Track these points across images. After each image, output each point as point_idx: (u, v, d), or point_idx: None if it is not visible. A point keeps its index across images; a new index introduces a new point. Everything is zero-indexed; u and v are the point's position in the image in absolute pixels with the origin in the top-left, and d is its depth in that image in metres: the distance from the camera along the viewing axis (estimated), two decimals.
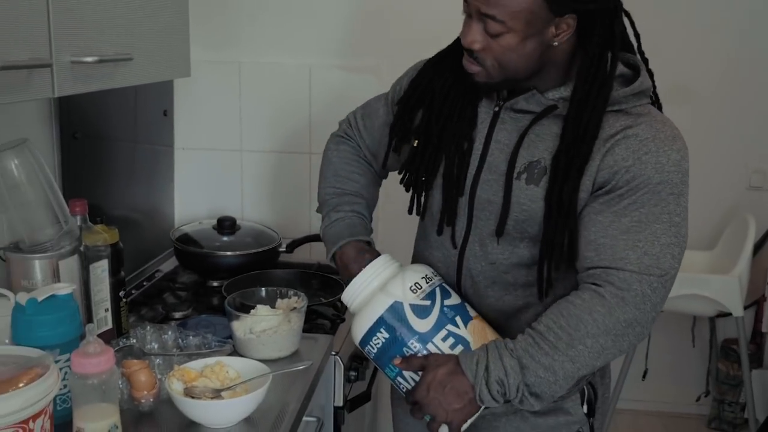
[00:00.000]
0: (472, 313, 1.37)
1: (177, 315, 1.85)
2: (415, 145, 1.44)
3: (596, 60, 1.29)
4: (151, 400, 1.32)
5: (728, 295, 2.72)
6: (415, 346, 1.32)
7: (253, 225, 2.26)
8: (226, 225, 2.17)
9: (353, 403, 1.79)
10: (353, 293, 1.39)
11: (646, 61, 1.38)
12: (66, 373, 1.20)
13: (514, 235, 1.35)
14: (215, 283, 2.05)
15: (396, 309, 1.33)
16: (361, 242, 1.51)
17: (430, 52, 2.17)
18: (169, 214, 2.34)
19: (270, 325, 1.53)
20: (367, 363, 1.86)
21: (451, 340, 1.32)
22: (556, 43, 1.28)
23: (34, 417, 1.10)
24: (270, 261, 2.14)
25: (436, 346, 1.32)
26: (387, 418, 2.36)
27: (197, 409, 1.28)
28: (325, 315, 1.85)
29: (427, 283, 1.36)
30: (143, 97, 2.10)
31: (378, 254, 1.46)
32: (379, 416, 2.34)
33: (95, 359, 1.16)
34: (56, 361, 1.16)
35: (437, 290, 1.36)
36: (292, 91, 2.28)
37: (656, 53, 1.40)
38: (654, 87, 1.37)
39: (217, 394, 1.31)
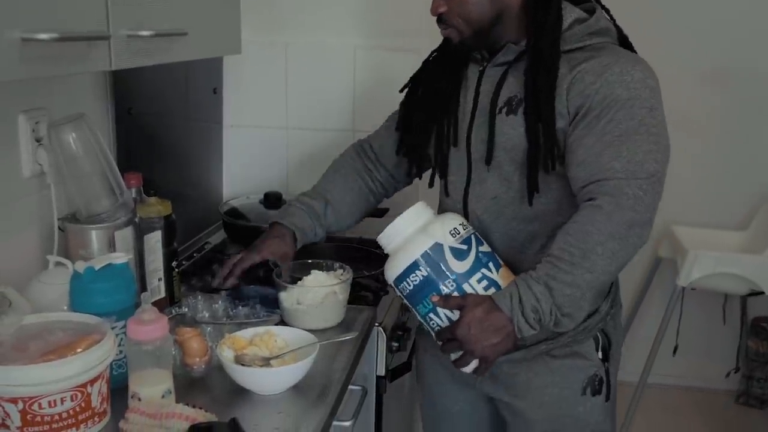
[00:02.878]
0: (500, 261, 1.43)
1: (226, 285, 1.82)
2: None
3: (544, 3, 1.39)
4: (203, 366, 1.30)
5: (760, 273, 2.63)
6: (451, 285, 1.37)
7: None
8: (272, 199, 2.14)
9: (394, 373, 1.76)
10: (392, 235, 1.43)
11: (607, 10, 1.46)
12: (122, 339, 1.19)
13: (506, 168, 1.43)
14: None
15: (436, 250, 1.37)
16: (284, 227, 1.62)
17: None
18: (218, 188, 2.31)
19: (317, 296, 1.49)
20: (409, 334, 1.83)
21: (485, 283, 1.37)
22: None
23: (92, 381, 1.08)
24: None
25: (472, 287, 1.37)
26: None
27: (247, 376, 1.25)
28: (369, 287, 1.81)
29: (464, 229, 1.42)
30: (194, 75, 2.07)
31: (294, 248, 1.61)
32: (417, 386, 2.31)
33: (150, 326, 1.14)
34: (112, 328, 1.14)
35: (472, 237, 1.42)
36: (337, 71, 2.24)
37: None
38: (619, 30, 1.45)
39: (266, 362, 1.28)
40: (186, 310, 1.50)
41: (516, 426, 1.56)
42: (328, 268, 1.61)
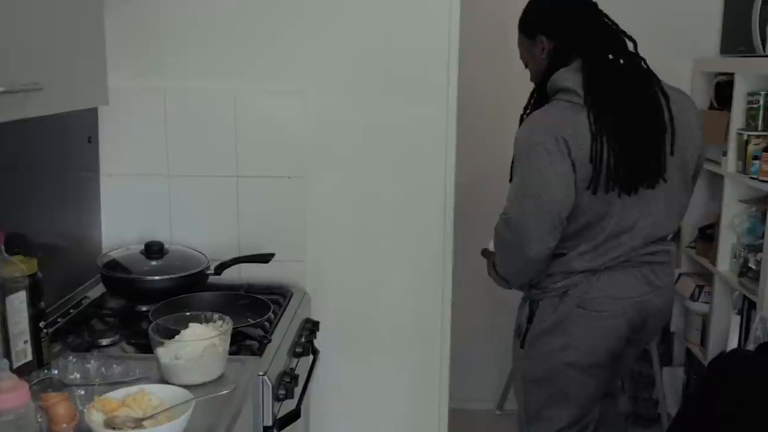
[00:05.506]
0: None
1: (104, 342, 1.75)
2: None
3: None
4: None
5: None
6: None
7: (181, 249, 2.17)
8: (153, 249, 2.08)
9: (283, 421, 1.72)
10: None
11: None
12: None
13: None
14: (144, 308, 1.95)
15: None
16: None
17: (355, 79, 2.16)
18: (96, 240, 2.22)
19: (196, 349, 1.45)
20: (296, 381, 1.80)
21: None
22: (544, 56, 1.99)
23: None
24: (199, 284, 2.06)
25: None
26: None
27: None
28: (253, 336, 1.78)
29: None
30: (67, 123, 1.99)
31: None
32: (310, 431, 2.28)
33: (8, 395, 1.08)
34: None
35: None
36: (218, 116, 2.20)
37: None
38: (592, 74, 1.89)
39: (138, 423, 1.23)
40: (55, 372, 1.43)
41: None
42: (207, 320, 1.57)
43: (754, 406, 1.50)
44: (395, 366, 2.33)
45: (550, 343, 1.99)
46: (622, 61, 1.90)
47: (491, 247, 2.10)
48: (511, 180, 1.95)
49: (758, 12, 2.66)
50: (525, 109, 2.09)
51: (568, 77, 1.88)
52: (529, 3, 2.07)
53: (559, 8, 2.00)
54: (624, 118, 1.83)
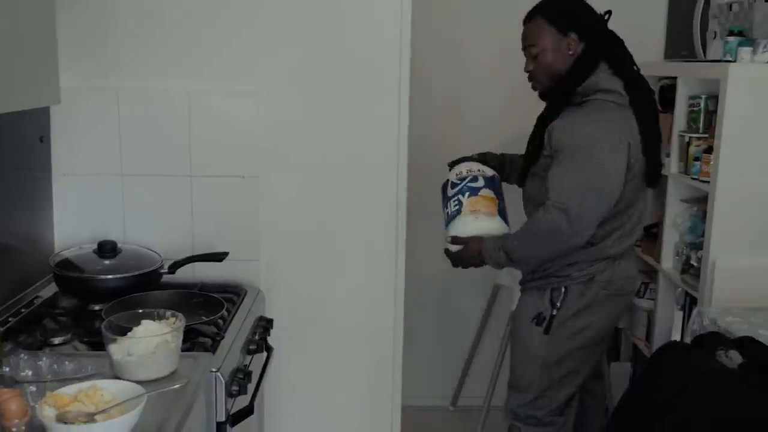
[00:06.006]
0: (482, 194, 2.26)
1: (56, 341, 1.75)
2: None
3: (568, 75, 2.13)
4: (23, 428, 1.24)
5: None
6: (444, 203, 2.34)
7: (134, 248, 2.17)
8: (106, 248, 2.08)
9: (236, 417, 1.75)
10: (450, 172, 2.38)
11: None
12: None
13: (533, 172, 2.21)
14: (97, 307, 1.95)
15: (446, 182, 2.36)
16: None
17: (309, 79, 2.19)
18: (49, 239, 2.21)
19: (148, 346, 1.47)
20: (250, 377, 1.83)
21: (457, 204, 2.27)
22: (571, 53, 2.12)
23: None
24: (152, 283, 2.06)
25: (450, 205, 2.29)
26: (272, 429, 2.33)
27: None
28: (206, 333, 1.80)
29: (468, 173, 2.31)
30: (18, 123, 1.98)
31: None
32: (265, 428, 2.30)
33: None
34: None
35: (470, 177, 2.29)
36: (172, 116, 2.20)
37: None
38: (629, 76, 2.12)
39: (90, 418, 1.24)
40: (6, 369, 1.43)
41: None
42: (160, 317, 1.59)
43: (687, 394, 1.58)
44: (349, 363, 2.36)
45: (575, 326, 2.17)
46: (635, 68, 2.17)
47: (464, 233, 2.24)
48: (524, 179, 2.21)
49: (699, 19, 2.77)
50: (552, 110, 2.16)
51: (611, 79, 2.08)
52: (553, 2, 2.18)
53: (591, 12, 2.17)
54: (653, 119, 2.16)
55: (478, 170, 2.32)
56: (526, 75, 2.23)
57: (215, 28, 2.18)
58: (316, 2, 2.17)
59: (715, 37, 2.67)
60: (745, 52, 2.44)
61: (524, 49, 2.20)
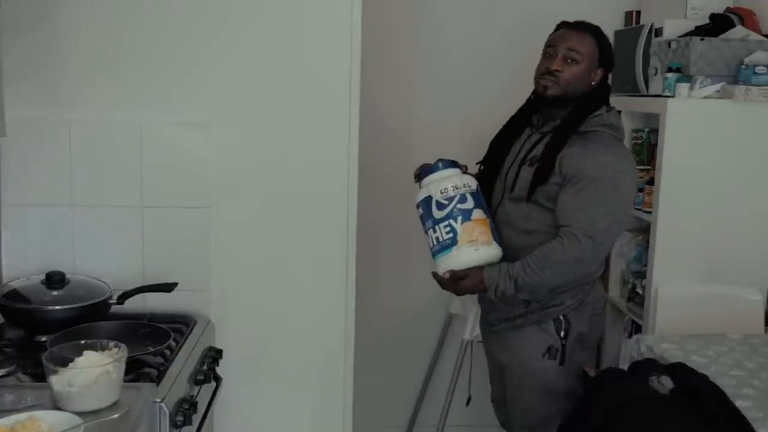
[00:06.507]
0: (475, 217, 2.11)
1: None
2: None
3: (597, 98, 2.18)
4: None
5: None
6: (430, 224, 2.15)
7: (83, 278, 2.17)
8: (54, 279, 2.07)
9: None
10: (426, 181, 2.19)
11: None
12: None
13: (518, 197, 2.15)
14: (44, 338, 1.94)
15: (427, 200, 2.15)
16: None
17: (260, 110, 2.23)
18: None
19: (89, 376, 1.47)
20: (195, 408, 1.83)
21: (449, 229, 2.11)
22: (593, 83, 2.17)
23: None
24: (101, 313, 2.06)
25: (440, 228, 2.12)
26: None
27: None
28: (151, 364, 1.81)
29: (454, 190, 2.12)
30: None
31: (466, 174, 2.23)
32: None
33: None
34: None
35: (458, 196, 2.11)
36: (123, 147, 2.22)
37: None
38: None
39: None
40: None
41: (505, 373, 2.31)
42: (103, 348, 1.59)
43: (620, 419, 1.63)
44: (299, 393, 2.37)
45: (580, 352, 2.22)
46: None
47: (463, 265, 2.12)
48: (531, 197, 2.13)
49: (641, 56, 2.87)
50: (561, 138, 2.13)
51: (616, 117, 2.21)
52: (603, 32, 2.22)
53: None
54: None
55: (464, 185, 2.15)
56: (543, 72, 2.18)
57: (167, 61, 2.20)
58: (266, 37, 2.21)
59: (656, 73, 2.77)
60: (683, 87, 2.55)
61: (556, 48, 2.16)
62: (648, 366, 1.88)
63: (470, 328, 2.85)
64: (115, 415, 1.41)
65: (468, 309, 2.91)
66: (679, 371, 1.80)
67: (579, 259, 2.05)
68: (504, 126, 2.34)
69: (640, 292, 2.77)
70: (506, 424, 2.47)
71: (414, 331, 3.42)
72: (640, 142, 2.83)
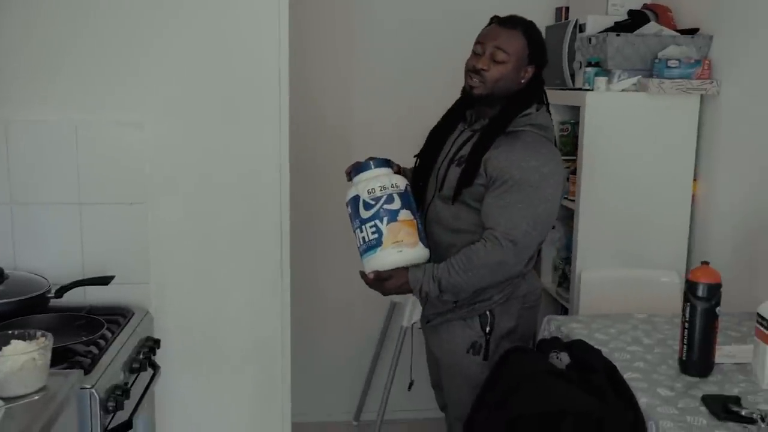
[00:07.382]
0: (401, 218, 2.11)
1: None
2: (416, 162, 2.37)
3: (527, 97, 2.16)
4: None
5: None
6: (357, 223, 2.15)
7: (22, 274, 2.23)
8: None
9: None
10: (356, 180, 2.19)
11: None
12: None
13: (446, 196, 2.17)
14: None
15: (355, 199, 2.15)
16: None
17: (193, 107, 2.30)
18: None
19: (15, 363, 1.55)
20: (127, 394, 1.91)
21: (374, 229, 2.11)
22: (523, 81, 2.15)
23: None
24: (39, 307, 2.12)
25: (366, 228, 2.12)
26: None
27: None
28: (83, 353, 1.88)
29: (381, 190, 2.12)
30: None
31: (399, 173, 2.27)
32: None
33: None
34: None
35: (385, 197, 2.11)
36: (60, 146, 2.28)
37: None
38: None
39: None
40: None
41: (439, 364, 2.38)
42: (30, 337, 1.66)
43: (519, 390, 1.74)
44: (238, 382, 2.45)
45: (507, 345, 2.18)
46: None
47: (387, 266, 2.12)
48: (457, 198, 2.14)
49: (566, 51, 2.99)
50: (488, 138, 2.12)
51: (545, 116, 2.18)
52: (536, 27, 2.19)
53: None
54: None
55: (392, 185, 2.14)
56: (469, 70, 2.19)
57: (101, 61, 2.26)
58: (195, 33, 2.27)
59: (580, 67, 2.89)
60: (601, 81, 2.67)
61: (484, 45, 2.14)
62: (550, 343, 2.00)
63: (408, 316, 2.95)
64: (36, 397, 1.48)
65: (406, 297, 3.01)
66: (576, 347, 1.91)
67: (501, 263, 2.04)
68: (441, 118, 2.35)
69: (570, 277, 2.89)
70: (445, 409, 2.57)
71: (360, 321, 3.52)
72: (566, 134, 2.95)
